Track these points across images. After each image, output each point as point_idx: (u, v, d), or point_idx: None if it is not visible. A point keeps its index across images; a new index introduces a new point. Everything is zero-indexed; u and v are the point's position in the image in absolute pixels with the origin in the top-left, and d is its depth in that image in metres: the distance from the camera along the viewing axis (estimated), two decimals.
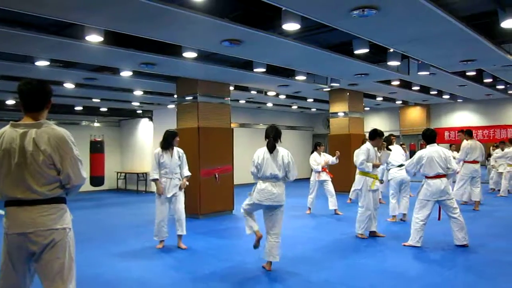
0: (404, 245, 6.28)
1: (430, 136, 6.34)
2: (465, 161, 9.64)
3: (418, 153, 6.33)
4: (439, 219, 6.48)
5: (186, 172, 6.59)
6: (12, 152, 2.72)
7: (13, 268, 2.79)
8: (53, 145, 2.73)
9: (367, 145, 6.90)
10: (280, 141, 5.18)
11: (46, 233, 2.75)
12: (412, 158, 6.44)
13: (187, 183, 6.60)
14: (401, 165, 7.99)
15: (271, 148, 5.06)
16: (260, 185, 5.07)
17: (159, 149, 6.48)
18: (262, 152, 5.12)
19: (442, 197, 6.09)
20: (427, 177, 6.19)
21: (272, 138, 5.09)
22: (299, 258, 5.50)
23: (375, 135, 6.89)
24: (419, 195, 6.27)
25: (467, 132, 9.84)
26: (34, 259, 2.79)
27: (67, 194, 2.94)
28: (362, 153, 6.77)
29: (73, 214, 3.03)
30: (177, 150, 6.54)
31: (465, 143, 9.63)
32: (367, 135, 13.53)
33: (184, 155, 6.65)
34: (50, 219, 2.77)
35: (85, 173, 2.94)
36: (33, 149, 2.70)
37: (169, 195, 6.38)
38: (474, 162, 9.57)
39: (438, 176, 6.11)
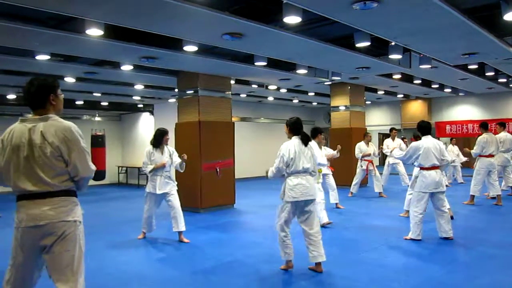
0: (406, 239, 6.31)
1: (425, 128, 6.41)
2: (480, 155, 9.37)
3: (414, 144, 6.39)
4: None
5: (178, 160, 6.61)
6: (21, 146, 2.77)
7: (23, 262, 2.83)
8: (60, 137, 2.77)
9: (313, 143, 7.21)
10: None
11: (58, 225, 2.78)
12: (407, 149, 6.49)
13: (185, 157, 6.58)
14: None
15: (307, 141, 4.90)
16: (292, 181, 4.79)
17: (150, 147, 6.54)
18: (292, 146, 4.84)
19: (437, 189, 6.18)
20: (422, 168, 6.27)
21: (303, 131, 4.96)
22: (300, 251, 5.48)
23: (316, 132, 7.12)
24: (416, 187, 6.34)
25: (483, 125, 9.60)
26: (45, 251, 2.81)
27: (78, 189, 2.99)
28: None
29: None
30: (168, 149, 6.58)
31: (481, 137, 9.41)
32: (368, 129, 13.65)
33: (175, 152, 6.69)
34: (61, 212, 2.80)
35: (93, 165, 2.97)
36: (40, 142, 2.75)
37: (159, 192, 6.41)
38: (490, 156, 9.29)
39: (433, 167, 6.21)
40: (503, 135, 10.03)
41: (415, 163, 6.40)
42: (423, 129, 6.40)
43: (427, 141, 6.26)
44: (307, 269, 4.93)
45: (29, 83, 2.89)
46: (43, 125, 2.78)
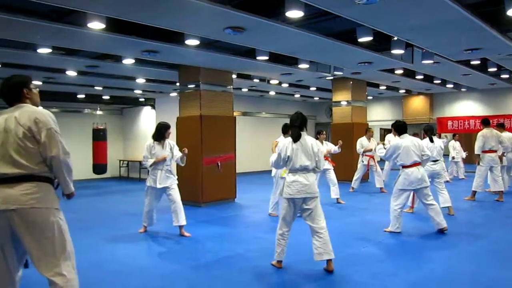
0: (386, 231, 6.48)
1: (401, 127, 6.59)
2: (483, 151, 9.23)
3: (394, 143, 6.57)
4: (412, 206, 6.99)
5: (179, 154, 6.61)
6: None
7: (1, 249, 2.90)
8: (32, 118, 2.91)
9: (281, 138, 7.30)
10: (306, 129, 4.86)
11: (29, 211, 2.85)
12: (388, 148, 6.66)
13: (186, 151, 6.58)
14: (435, 160, 7.78)
15: (296, 138, 4.71)
16: (290, 177, 4.72)
17: (151, 141, 6.53)
18: (289, 143, 4.74)
19: (420, 185, 6.33)
20: (404, 167, 6.39)
21: (298, 127, 4.75)
22: (301, 247, 5.50)
23: (287, 128, 7.15)
24: (397, 185, 6.48)
25: (483, 121, 9.54)
26: (21, 240, 2.88)
27: (55, 179, 3.04)
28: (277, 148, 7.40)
29: (76, 201, 3.07)
30: (168, 142, 6.59)
31: (480, 132, 9.35)
32: (370, 124, 13.62)
33: (176, 146, 6.71)
34: (33, 198, 2.87)
35: (66, 149, 3.00)
36: (14, 126, 2.90)
37: (159, 186, 6.41)
38: (491, 151, 9.21)
39: (415, 164, 6.33)
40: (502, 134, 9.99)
41: (397, 162, 6.55)
42: (399, 128, 6.57)
43: (406, 140, 6.41)
44: (307, 264, 4.93)
45: (3, 83, 3.07)
46: (18, 112, 2.94)
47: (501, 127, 10.09)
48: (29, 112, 2.94)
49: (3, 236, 2.88)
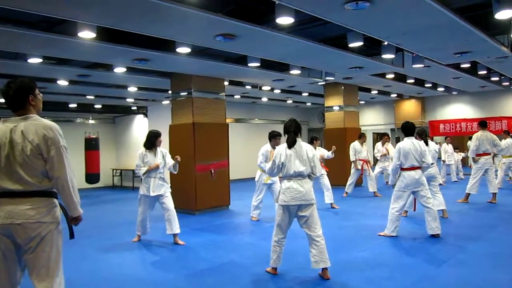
0: (379, 235, 6.50)
1: (408, 129, 6.54)
2: (477, 154, 9.30)
3: (397, 146, 6.57)
4: (414, 209, 7.13)
5: (171, 162, 6.60)
6: (2, 145, 2.84)
7: (3, 260, 2.86)
8: (40, 135, 2.83)
9: (266, 146, 7.75)
10: (300, 135, 4.84)
11: (34, 225, 2.82)
12: (395, 154, 6.55)
13: (179, 158, 6.58)
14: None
15: (291, 143, 4.69)
16: (285, 184, 4.69)
17: (142, 149, 6.52)
18: (283, 150, 4.72)
19: (417, 188, 6.36)
20: (402, 169, 6.42)
21: (293, 132, 4.74)
22: (295, 252, 5.49)
23: (271, 137, 7.58)
24: (395, 187, 6.52)
25: (480, 123, 9.59)
26: (22, 252, 2.86)
27: (59, 192, 2.97)
28: (260, 155, 7.75)
29: None
30: (161, 150, 6.58)
31: (475, 135, 9.41)
32: (362, 128, 13.68)
33: (168, 154, 6.70)
34: (38, 212, 2.84)
35: (70, 168, 2.91)
36: (21, 141, 2.82)
37: (152, 195, 6.39)
38: (484, 154, 9.27)
39: (413, 168, 6.35)
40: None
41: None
42: (406, 130, 6.55)
43: (408, 143, 6.41)
44: (303, 271, 4.92)
45: (7, 86, 2.94)
46: (23, 125, 2.85)
47: (480, 126, 10.10)
48: (36, 126, 2.84)
49: (7, 248, 2.84)
